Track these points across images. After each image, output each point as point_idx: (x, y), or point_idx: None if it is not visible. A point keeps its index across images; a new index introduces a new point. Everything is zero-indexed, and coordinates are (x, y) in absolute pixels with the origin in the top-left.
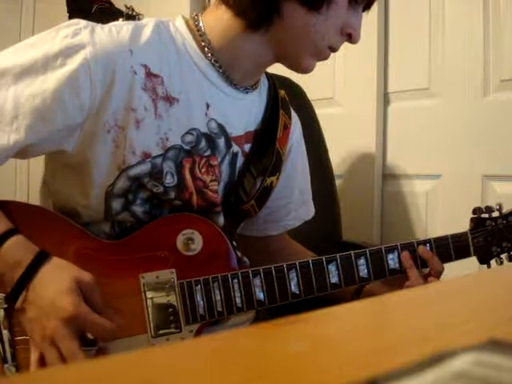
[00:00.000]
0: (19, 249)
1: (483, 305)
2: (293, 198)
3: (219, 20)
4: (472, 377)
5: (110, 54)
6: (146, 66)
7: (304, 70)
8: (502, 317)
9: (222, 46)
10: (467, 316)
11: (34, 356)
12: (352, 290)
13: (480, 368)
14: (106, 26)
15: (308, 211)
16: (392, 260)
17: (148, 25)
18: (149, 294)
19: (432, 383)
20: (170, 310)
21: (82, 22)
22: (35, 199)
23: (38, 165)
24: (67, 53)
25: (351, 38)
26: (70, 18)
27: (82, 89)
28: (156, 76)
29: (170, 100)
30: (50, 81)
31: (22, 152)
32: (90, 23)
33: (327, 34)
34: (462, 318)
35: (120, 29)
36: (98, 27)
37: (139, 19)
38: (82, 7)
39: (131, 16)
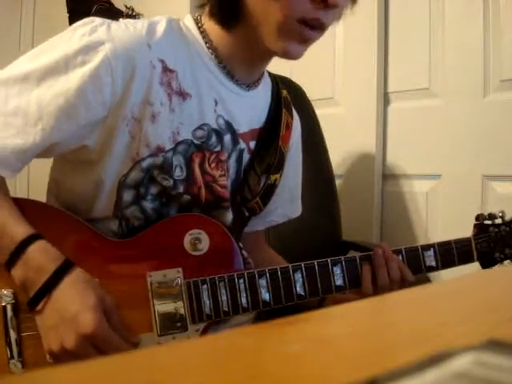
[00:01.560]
0: (44, 254)
1: (483, 305)
2: (281, 195)
3: (210, 21)
4: (472, 377)
5: (129, 49)
6: (162, 61)
7: (284, 53)
8: (502, 317)
9: (218, 43)
10: (467, 316)
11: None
12: (317, 299)
13: (480, 368)
14: (121, 23)
15: (295, 209)
16: None
17: (161, 22)
18: (155, 293)
19: (432, 383)
20: (177, 308)
21: (98, 20)
22: (35, 199)
23: (38, 165)
24: (87, 51)
25: (325, 2)
26: (70, 18)
27: (104, 85)
28: (171, 71)
29: (183, 95)
30: (73, 80)
31: (48, 151)
32: (106, 20)
33: (292, 7)
34: (462, 318)
35: (135, 25)
36: (114, 24)
37: (139, 19)
38: (82, 7)
39: (131, 16)
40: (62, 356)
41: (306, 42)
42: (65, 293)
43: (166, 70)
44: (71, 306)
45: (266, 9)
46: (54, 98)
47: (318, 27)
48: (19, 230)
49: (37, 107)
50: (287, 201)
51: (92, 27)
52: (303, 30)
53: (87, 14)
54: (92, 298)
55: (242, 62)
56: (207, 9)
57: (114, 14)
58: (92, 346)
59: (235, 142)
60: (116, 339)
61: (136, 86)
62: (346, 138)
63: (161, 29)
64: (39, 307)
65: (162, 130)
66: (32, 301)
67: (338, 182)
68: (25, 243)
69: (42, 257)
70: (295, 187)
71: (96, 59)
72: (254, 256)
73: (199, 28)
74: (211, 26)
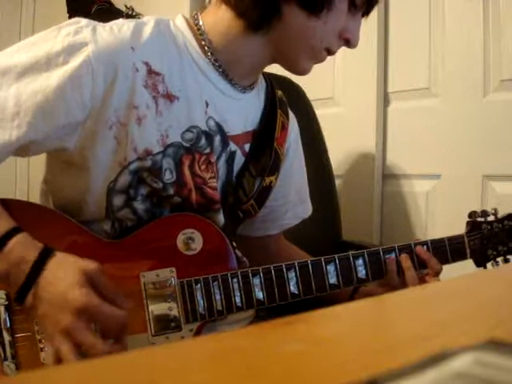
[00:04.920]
0: (24, 247)
1: (483, 305)
2: (290, 198)
3: (220, 20)
4: (472, 377)
5: (111, 51)
6: (147, 64)
7: (301, 72)
8: (501, 317)
9: (222, 45)
10: (467, 316)
11: (51, 351)
12: (349, 291)
13: (480, 368)
14: (107, 25)
15: (305, 209)
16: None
17: (148, 23)
18: (149, 293)
19: (432, 383)
20: (170, 308)
21: (83, 21)
22: (35, 199)
23: (38, 165)
24: (69, 51)
25: (349, 42)
26: (70, 18)
27: (84, 86)
28: (157, 74)
29: (170, 98)
30: (53, 78)
31: (24, 149)
32: (91, 22)
33: (325, 38)
34: (462, 318)
35: (121, 27)
36: (99, 26)
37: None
38: (82, 7)
39: (131, 16)
40: (62, 339)
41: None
42: (48, 279)
43: (150, 72)
44: (57, 289)
45: (305, 31)
46: (33, 94)
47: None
48: (0, 225)
49: (15, 102)
50: (296, 202)
51: (77, 28)
52: (325, 55)
53: (87, 14)
54: (75, 275)
55: (244, 65)
56: (213, 7)
57: (114, 14)
58: (88, 320)
59: (225, 143)
60: (107, 307)
61: (118, 89)
62: (345, 138)
63: (148, 30)
64: (28, 300)
65: (150, 132)
66: (19, 295)
67: (337, 182)
68: (5, 238)
69: (22, 250)
70: (302, 188)
71: (78, 60)
72: (277, 259)
73: (196, 27)
74: (217, 26)
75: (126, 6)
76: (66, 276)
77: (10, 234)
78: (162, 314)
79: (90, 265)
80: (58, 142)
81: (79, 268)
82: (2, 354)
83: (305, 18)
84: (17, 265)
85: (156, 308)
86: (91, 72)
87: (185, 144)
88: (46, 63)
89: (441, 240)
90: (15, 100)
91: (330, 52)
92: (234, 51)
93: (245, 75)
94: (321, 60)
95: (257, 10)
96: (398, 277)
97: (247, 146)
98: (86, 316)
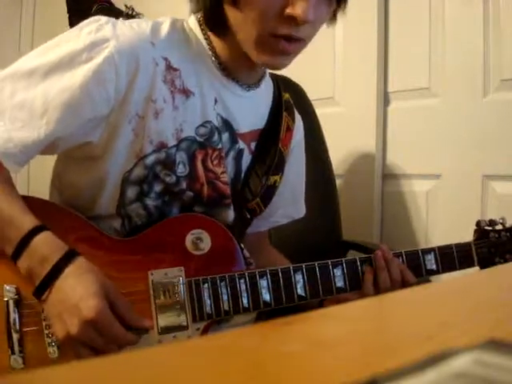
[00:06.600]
0: (48, 245)
1: (483, 304)
2: (283, 196)
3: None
4: (472, 377)
5: (133, 46)
6: (166, 59)
7: (268, 66)
8: (501, 317)
9: (216, 45)
10: (467, 316)
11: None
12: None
13: (480, 368)
14: (126, 22)
15: (298, 210)
16: None
17: (165, 22)
18: (157, 292)
19: (432, 383)
20: (178, 307)
21: (103, 19)
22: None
23: (38, 163)
24: (92, 48)
25: (294, 19)
26: (70, 18)
27: (108, 81)
28: (175, 69)
29: (186, 93)
30: (78, 75)
31: (51, 146)
32: (111, 19)
33: (260, 24)
34: (462, 318)
35: (140, 24)
36: (119, 22)
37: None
38: (82, 7)
39: (131, 16)
40: (69, 343)
41: (285, 53)
42: (67, 282)
43: (169, 68)
44: (73, 293)
45: (241, 24)
46: (60, 92)
47: (295, 40)
48: (26, 221)
49: (42, 101)
50: (289, 202)
51: (98, 25)
52: (279, 43)
53: (87, 14)
54: (94, 285)
55: (241, 64)
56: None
57: (114, 13)
58: (96, 332)
59: (233, 140)
60: (118, 326)
61: (139, 83)
62: (345, 138)
63: (165, 28)
64: (44, 297)
65: (165, 126)
66: (37, 291)
67: (338, 182)
68: (30, 234)
69: (46, 247)
70: (298, 188)
71: (101, 56)
72: (257, 257)
73: (201, 29)
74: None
75: (126, 6)
76: (84, 283)
77: (35, 231)
78: (170, 313)
79: (111, 283)
80: (84, 136)
81: (100, 280)
82: (10, 348)
83: (234, 12)
84: (39, 262)
85: (163, 307)
86: (114, 67)
87: (198, 139)
88: (70, 61)
89: (448, 247)
90: (43, 99)
91: (279, 36)
92: (225, 50)
93: (246, 72)
94: (279, 49)
95: (207, 17)
96: (373, 288)
97: (253, 145)
98: (93, 329)
